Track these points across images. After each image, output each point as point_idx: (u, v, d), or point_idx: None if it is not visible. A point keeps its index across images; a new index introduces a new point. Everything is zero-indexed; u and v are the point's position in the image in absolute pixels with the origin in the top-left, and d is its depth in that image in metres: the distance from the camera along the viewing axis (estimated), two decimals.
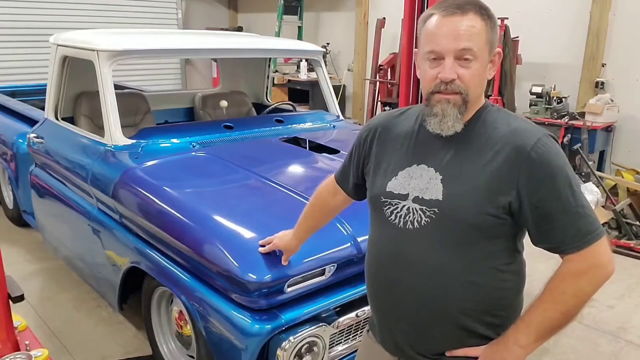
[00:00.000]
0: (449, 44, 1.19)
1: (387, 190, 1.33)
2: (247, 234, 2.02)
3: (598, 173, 4.83)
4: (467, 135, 1.25)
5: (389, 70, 6.69)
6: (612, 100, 5.21)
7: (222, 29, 8.61)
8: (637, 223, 4.49)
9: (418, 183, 1.28)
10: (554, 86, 5.44)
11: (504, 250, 1.26)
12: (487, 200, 1.19)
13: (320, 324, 1.99)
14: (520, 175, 1.18)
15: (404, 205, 1.29)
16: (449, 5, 1.21)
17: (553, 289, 1.20)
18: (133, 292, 2.68)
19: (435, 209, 1.24)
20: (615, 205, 4.51)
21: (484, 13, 1.21)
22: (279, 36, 7.62)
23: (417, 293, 1.29)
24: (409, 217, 1.27)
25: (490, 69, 1.25)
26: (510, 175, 1.18)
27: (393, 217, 1.31)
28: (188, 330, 2.36)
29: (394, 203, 1.31)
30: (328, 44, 7.83)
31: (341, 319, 2.05)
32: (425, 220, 1.25)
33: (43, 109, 3.54)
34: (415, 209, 1.27)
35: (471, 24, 1.19)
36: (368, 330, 1.53)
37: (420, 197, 1.26)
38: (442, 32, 1.20)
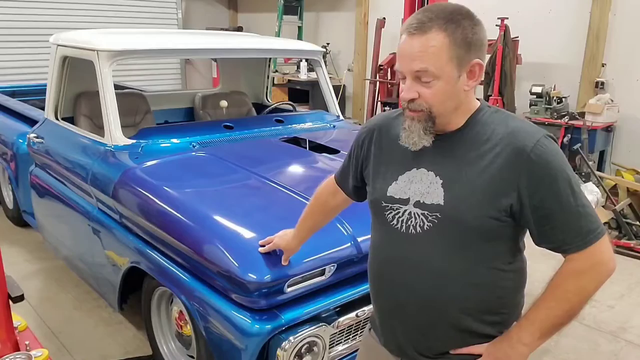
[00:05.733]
0: (406, 66, 1.20)
1: (387, 194, 1.33)
2: (247, 234, 2.02)
3: (598, 173, 4.83)
4: (465, 138, 1.25)
5: (389, 70, 6.69)
6: (612, 100, 5.21)
7: (222, 29, 8.61)
8: (637, 223, 4.49)
9: (419, 187, 1.28)
10: (554, 86, 5.44)
11: (506, 250, 1.26)
12: (488, 203, 1.19)
13: (320, 324, 1.99)
14: (521, 176, 1.17)
15: (405, 210, 1.29)
16: (413, 23, 1.18)
17: (556, 288, 1.21)
18: (133, 292, 2.68)
19: (437, 214, 1.24)
20: (615, 205, 4.51)
21: (450, 27, 1.15)
22: (279, 36, 7.62)
23: (419, 294, 1.29)
24: (411, 221, 1.28)
25: (470, 81, 1.21)
26: (511, 177, 1.18)
27: (395, 221, 1.31)
28: (188, 330, 2.36)
29: (395, 208, 1.31)
30: (328, 44, 7.83)
31: (341, 319, 2.05)
32: (427, 225, 1.25)
33: (43, 109, 3.54)
34: (417, 213, 1.27)
35: (429, 44, 1.15)
36: (370, 329, 1.53)
37: (422, 201, 1.26)
38: (402, 53, 1.20)
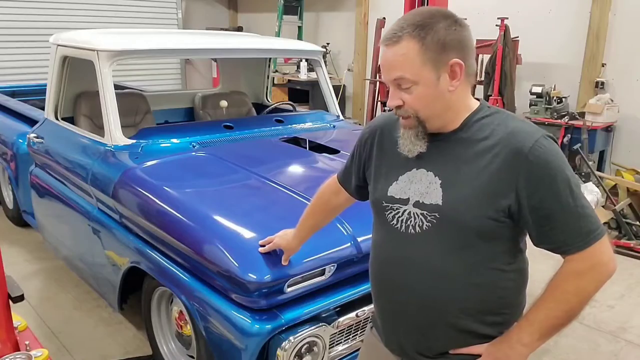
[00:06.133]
0: (385, 76, 1.25)
1: (388, 194, 1.33)
2: (247, 234, 2.02)
3: (598, 173, 4.83)
4: (463, 138, 1.25)
5: None
6: (612, 100, 5.21)
7: (222, 29, 8.61)
8: (637, 223, 4.49)
9: (418, 187, 1.28)
10: (554, 86, 5.44)
11: (506, 251, 1.26)
12: (487, 203, 1.19)
13: (320, 324, 1.99)
14: (519, 177, 1.17)
15: (405, 210, 1.30)
16: (387, 35, 1.22)
17: (555, 289, 1.21)
18: (133, 292, 2.68)
19: (436, 214, 1.24)
20: (615, 205, 4.51)
21: (421, 32, 1.17)
22: (279, 36, 7.62)
23: (419, 295, 1.29)
24: (410, 221, 1.28)
25: (453, 81, 1.21)
26: (509, 178, 1.18)
27: (395, 221, 1.31)
28: (188, 330, 2.36)
29: (395, 207, 1.32)
30: (328, 44, 7.83)
31: (341, 319, 2.05)
32: (426, 225, 1.26)
33: (43, 109, 3.54)
34: (417, 213, 1.27)
35: (401, 52, 1.19)
36: (372, 327, 1.54)
37: (421, 201, 1.27)
38: (382, 64, 1.25)
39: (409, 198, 1.29)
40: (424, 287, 1.28)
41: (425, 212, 1.26)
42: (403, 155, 1.32)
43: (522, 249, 1.31)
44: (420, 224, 1.26)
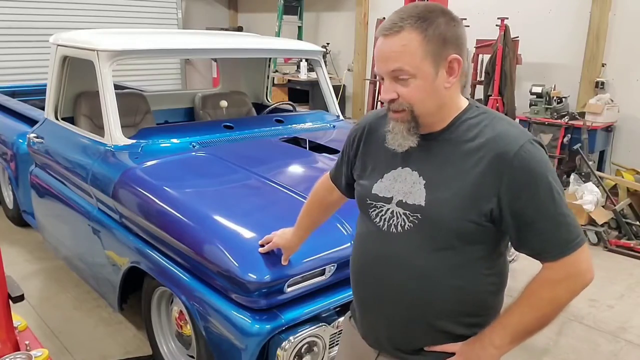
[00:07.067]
0: (381, 67, 1.20)
1: (372, 192, 1.33)
2: (247, 234, 2.02)
3: (598, 173, 4.83)
4: (450, 138, 1.24)
5: None
6: (612, 100, 5.21)
7: (222, 29, 8.61)
8: (637, 223, 4.49)
9: (402, 187, 1.27)
10: (554, 86, 5.44)
11: (487, 255, 1.26)
12: (469, 207, 1.19)
13: (320, 324, 1.99)
14: (502, 182, 1.16)
15: (388, 209, 1.29)
16: (386, 25, 1.19)
17: (530, 295, 1.21)
18: (133, 292, 2.68)
19: (418, 215, 1.24)
20: (615, 205, 4.51)
21: (423, 25, 1.15)
22: (279, 36, 7.62)
23: (399, 293, 1.29)
24: (393, 220, 1.28)
25: (450, 77, 1.19)
26: (492, 182, 1.17)
27: (378, 219, 1.31)
28: (188, 330, 2.36)
29: (378, 206, 1.31)
30: (328, 44, 7.83)
31: (341, 319, 2.05)
32: (408, 225, 1.25)
33: (43, 109, 3.55)
34: (399, 212, 1.27)
35: (401, 43, 1.15)
36: (350, 317, 1.52)
37: (404, 201, 1.26)
38: (378, 55, 1.21)
39: (392, 197, 1.29)
40: (403, 286, 1.28)
41: (407, 212, 1.25)
42: (389, 154, 1.31)
43: (502, 253, 1.31)
44: (403, 223, 1.26)
